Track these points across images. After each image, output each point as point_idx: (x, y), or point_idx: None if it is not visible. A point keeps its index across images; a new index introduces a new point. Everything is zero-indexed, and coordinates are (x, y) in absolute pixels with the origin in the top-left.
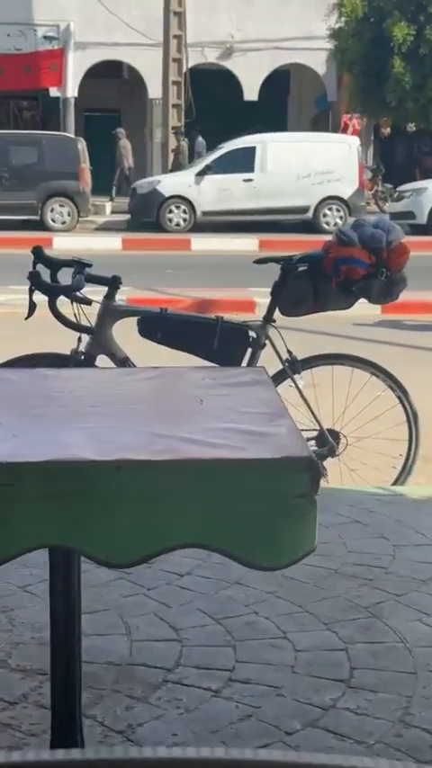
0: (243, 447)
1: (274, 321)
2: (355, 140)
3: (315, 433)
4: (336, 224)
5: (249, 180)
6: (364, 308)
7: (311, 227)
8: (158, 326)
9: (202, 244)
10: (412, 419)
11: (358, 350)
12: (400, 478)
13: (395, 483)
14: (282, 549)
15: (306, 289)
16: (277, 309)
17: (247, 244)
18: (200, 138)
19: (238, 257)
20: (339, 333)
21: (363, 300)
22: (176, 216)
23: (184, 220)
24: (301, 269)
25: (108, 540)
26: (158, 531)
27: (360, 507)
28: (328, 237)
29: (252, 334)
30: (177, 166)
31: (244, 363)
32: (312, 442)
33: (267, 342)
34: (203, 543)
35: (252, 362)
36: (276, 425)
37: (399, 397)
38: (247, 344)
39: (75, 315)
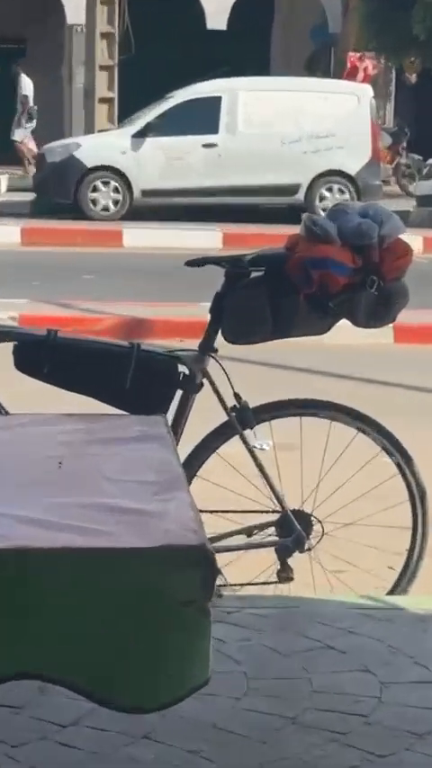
0: (107, 532)
1: (216, 350)
2: (368, 90)
3: (275, 517)
4: None
5: (212, 145)
6: (360, 335)
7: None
8: (43, 357)
9: (140, 238)
10: (418, 498)
11: (343, 394)
12: (400, 584)
13: (392, 591)
14: (157, 683)
15: (261, 304)
16: (220, 334)
17: (205, 239)
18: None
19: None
20: (315, 367)
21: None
22: (103, 196)
23: (116, 203)
24: (254, 275)
25: None
26: None
27: (337, 626)
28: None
29: (183, 369)
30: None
31: (170, 413)
32: (271, 530)
33: (205, 381)
34: (40, 673)
35: (182, 412)
36: (163, 500)
37: (399, 465)
38: (174, 384)
39: None
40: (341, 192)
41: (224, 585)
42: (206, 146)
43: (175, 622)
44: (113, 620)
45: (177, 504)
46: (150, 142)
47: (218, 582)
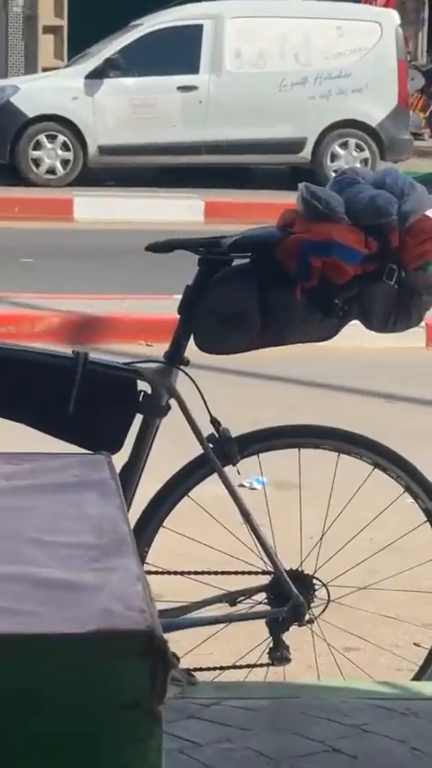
0: (28, 612)
1: (188, 362)
2: (393, 17)
3: (266, 580)
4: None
5: (190, 88)
6: (382, 338)
7: (309, 177)
8: None
9: (96, 209)
10: None
11: (359, 417)
12: (430, 666)
13: (420, 675)
14: None
15: (246, 301)
16: (192, 340)
17: (181, 210)
18: None
19: (163, 234)
20: (320, 381)
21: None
22: (49, 155)
23: (65, 164)
24: (237, 263)
25: None
26: None
27: (347, 723)
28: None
29: (144, 386)
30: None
31: (128, 443)
32: (261, 597)
33: (174, 402)
34: None
35: (143, 443)
36: (103, 569)
37: (427, 512)
38: (132, 407)
39: None
40: (359, 148)
41: (198, 670)
42: (183, 89)
43: (114, 730)
44: (33, 727)
45: (121, 576)
46: (110, 84)
47: (187, 666)
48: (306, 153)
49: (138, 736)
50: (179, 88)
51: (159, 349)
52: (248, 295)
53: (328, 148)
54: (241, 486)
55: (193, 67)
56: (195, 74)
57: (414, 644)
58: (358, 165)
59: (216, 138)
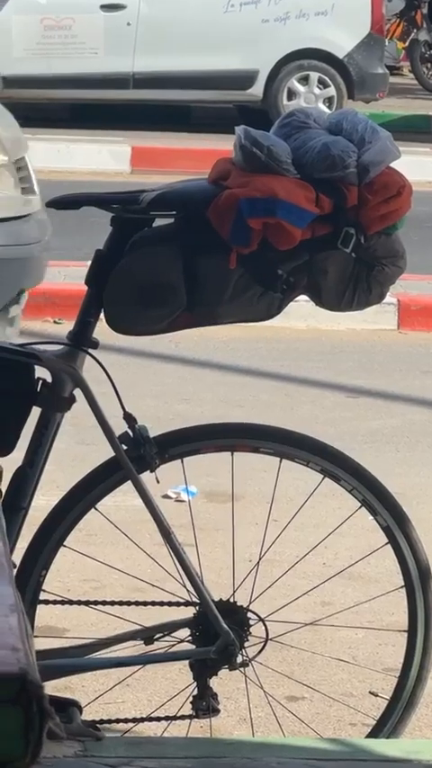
0: None
1: (96, 344)
2: None
3: (190, 613)
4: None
5: (116, 7)
6: (344, 319)
7: (260, 119)
8: None
9: None
10: (417, 581)
11: (314, 412)
12: (388, 721)
13: (376, 732)
14: None
15: (171, 270)
16: (103, 317)
17: (104, 157)
18: None
19: (78, 186)
20: (265, 369)
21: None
22: None
23: None
24: (160, 224)
25: None
26: None
27: None
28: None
29: (43, 373)
30: None
31: (22, 443)
32: (183, 634)
33: (79, 392)
34: None
35: (41, 442)
36: None
37: (387, 530)
38: (29, 398)
39: None
40: (322, 84)
41: (105, 722)
42: (107, 8)
43: None
44: None
45: None
46: (17, 1)
47: (92, 718)
48: (257, 89)
49: None
50: (102, 7)
51: (70, 327)
52: (172, 263)
53: (284, 84)
54: (166, 496)
55: None
56: None
57: (371, 693)
58: (321, 105)
59: (147, 70)
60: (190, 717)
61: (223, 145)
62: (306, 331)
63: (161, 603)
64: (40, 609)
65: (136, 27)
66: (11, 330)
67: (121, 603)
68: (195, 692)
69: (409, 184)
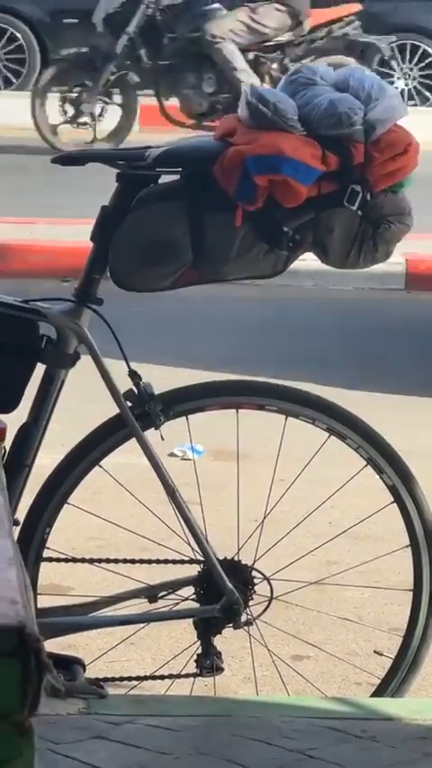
0: None
1: (101, 301)
2: None
3: (194, 571)
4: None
5: None
6: (352, 278)
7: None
8: None
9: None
10: (423, 541)
11: (320, 372)
12: (392, 680)
13: (380, 691)
14: None
15: (176, 227)
16: (109, 273)
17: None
18: None
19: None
20: (272, 328)
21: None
22: None
23: None
24: (165, 180)
25: None
26: None
27: (290, 747)
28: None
29: (47, 330)
30: None
31: (27, 400)
32: (188, 592)
33: (85, 349)
34: None
35: (45, 399)
36: None
37: (393, 489)
38: (33, 355)
39: None
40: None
41: (109, 680)
42: None
43: None
44: None
45: None
46: None
47: (96, 675)
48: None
49: (3, 756)
50: None
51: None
52: (178, 220)
53: None
54: (172, 455)
55: None
56: None
57: (375, 652)
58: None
59: None
60: (194, 675)
61: None
62: (311, 290)
63: (165, 561)
64: (45, 566)
65: None
66: None
67: (125, 561)
68: (199, 651)
69: (416, 142)
